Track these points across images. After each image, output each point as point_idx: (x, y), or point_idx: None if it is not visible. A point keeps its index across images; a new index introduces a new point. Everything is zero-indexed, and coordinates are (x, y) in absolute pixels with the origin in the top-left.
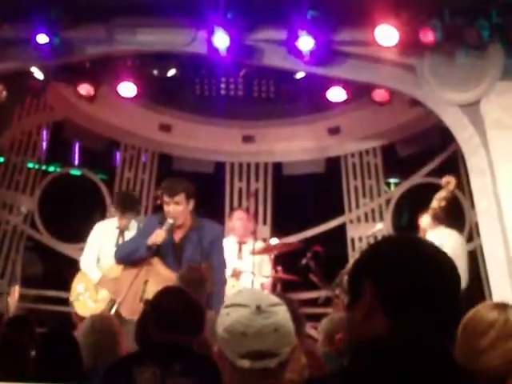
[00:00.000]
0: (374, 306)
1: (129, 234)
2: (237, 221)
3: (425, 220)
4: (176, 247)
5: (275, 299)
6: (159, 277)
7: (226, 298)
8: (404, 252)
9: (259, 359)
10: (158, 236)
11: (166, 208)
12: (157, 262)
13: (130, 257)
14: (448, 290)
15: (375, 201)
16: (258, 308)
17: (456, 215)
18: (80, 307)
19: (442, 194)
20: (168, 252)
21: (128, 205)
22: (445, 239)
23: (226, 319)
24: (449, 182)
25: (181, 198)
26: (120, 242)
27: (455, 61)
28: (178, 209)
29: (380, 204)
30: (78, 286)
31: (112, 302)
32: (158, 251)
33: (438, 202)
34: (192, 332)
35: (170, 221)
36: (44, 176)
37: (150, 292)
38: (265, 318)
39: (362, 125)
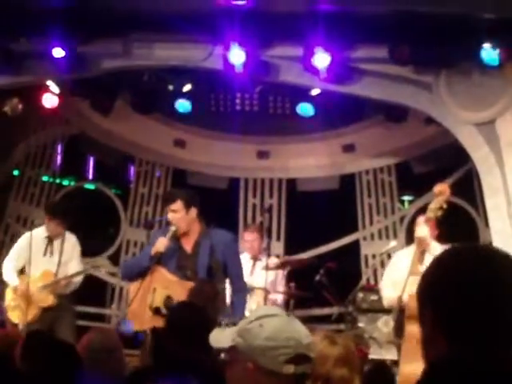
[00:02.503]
0: (434, 331)
1: (57, 243)
2: (245, 243)
3: (423, 230)
4: (188, 257)
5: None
6: (166, 282)
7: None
8: (466, 277)
9: (300, 363)
10: (160, 244)
11: (168, 217)
12: (162, 270)
13: (133, 270)
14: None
15: (389, 218)
16: (289, 316)
17: (470, 234)
18: (13, 315)
19: (437, 204)
20: (172, 261)
21: (57, 211)
22: None
23: (262, 330)
24: (441, 191)
25: (177, 205)
26: (49, 250)
27: (471, 79)
28: (175, 216)
29: (394, 221)
30: (9, 295)
31: (42, 310)
32: (160, 260)
33: (433, 212)
34: (207, 347)
35: (173, 228)
36: (58, 189)
37: (158, 299)
38: (298, 325)
39: (376, 142)
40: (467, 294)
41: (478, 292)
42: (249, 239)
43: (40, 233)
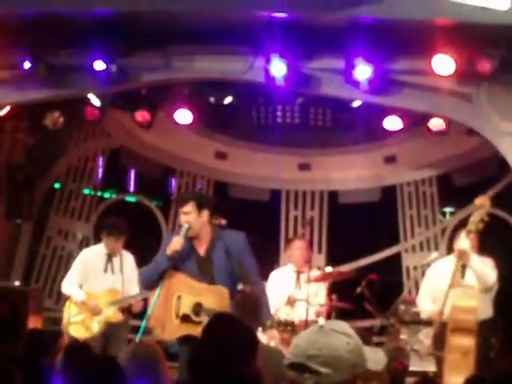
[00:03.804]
0: (504, 345)
1: (116, 260)
2: (296, 250)
3: (464, 243)
4: (202, 260)
5: (344, 328)
6: (192, 289)
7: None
8: None
9: (302, 373)
10: (175, 243)
11: (180, 219)
12: (183, 276)
13: (154, 276)
14: None
15: (430, 230)
16: (321, 327)
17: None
18: (74, 330)
19: (477, 217)
20: (192, 265)
21: (122, 229)
22: (489, 267)
23: None
24: (482, 204)
25: (189, 207)
26: (109, 267)
27: None
28: (187, 218)
29: (435, 233)
30: (70, 311)
31: (106, 326)
32: (179, 264)
33: (475, 225)
34: (245, 362)
35: (186, 225)
36: (100, 202)
37: (186, 306)
38: (320, 337)
39: (418, 154)
40: None
41: None
42: (300, 246)
43: (99, 250)
